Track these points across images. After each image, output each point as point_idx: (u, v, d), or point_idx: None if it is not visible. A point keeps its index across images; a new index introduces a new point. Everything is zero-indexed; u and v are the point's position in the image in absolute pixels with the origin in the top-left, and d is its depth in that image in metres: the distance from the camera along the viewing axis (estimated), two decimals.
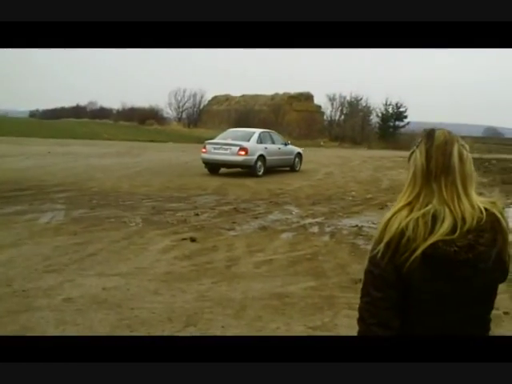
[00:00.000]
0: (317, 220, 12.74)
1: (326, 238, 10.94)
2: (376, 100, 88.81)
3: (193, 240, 10.17)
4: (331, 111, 67.68)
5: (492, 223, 2.21)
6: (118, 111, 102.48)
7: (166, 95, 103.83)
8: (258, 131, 26.65)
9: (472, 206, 2.20)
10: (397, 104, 62.75)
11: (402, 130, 63.17)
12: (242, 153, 24.01)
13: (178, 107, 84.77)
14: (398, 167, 28.23)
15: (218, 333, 6.11)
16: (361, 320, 2.37)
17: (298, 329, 6.30)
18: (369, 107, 65.26)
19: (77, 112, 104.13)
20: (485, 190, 2.34)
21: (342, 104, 66.66)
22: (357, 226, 12.18)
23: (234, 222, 12.10)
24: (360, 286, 7.26)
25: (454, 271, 2.17)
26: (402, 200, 2.29)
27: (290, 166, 26.91)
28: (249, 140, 25.11)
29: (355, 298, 7.45)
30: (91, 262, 8.62)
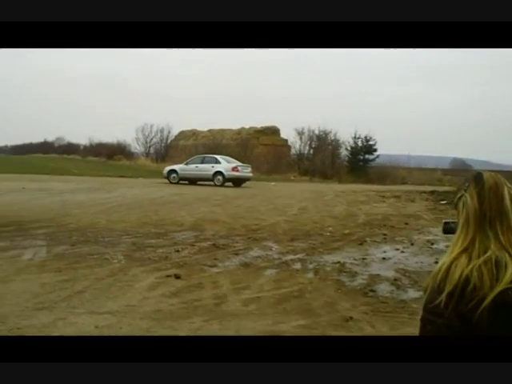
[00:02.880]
0: (298, 256, 12.75)
1: (310, 274, 10.96)
2: (345, 133, 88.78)
3: (177, 277, 10.15)
4: (300, 145, 67.90)
5: None
6: (85, 147, 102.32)
7: (133, 131, 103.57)
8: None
9: None
10: (366, 137, 63.05)
11: (372, 163, 63.44)
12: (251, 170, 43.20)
13: (146, 142, 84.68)
14: (371, 201, 28.32)
15: None
16: None
17: None
18: (338, 140, 65.59)
19: (44, 147, 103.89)
20: None
21: (310, 138, 66.90)
22: (339, 262, 12.18)
23: (215, 259, 12.09)
24: (351, 324, 7.29)
25: None
26: (456, 246, 2.28)
27: None
28: None
29: None
30: (80, 299, 8.58)
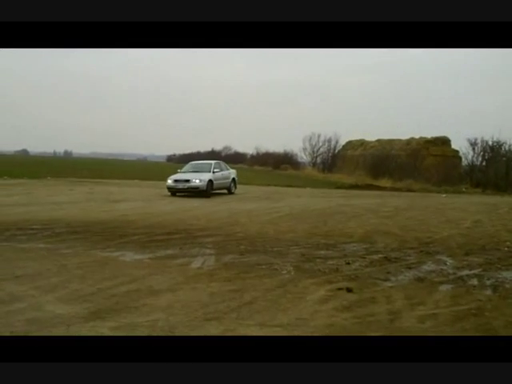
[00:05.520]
0: (474, 272, 12.12)
1: (489, 291, 10.33)
2: None
3: (349, 290, 9.83)
4: (472, 156, 66.22)
5: None
6: (252, 156, 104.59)
7: (300, 140, 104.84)
8: None
9: None
10: None
11: None
12: None
13: (313, 152, 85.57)
14: None
15: None
16: None
17: None
18: None
19: (212, 156, 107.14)
20: None
21: (483, 149, 65.14)
22: None
23: (387, 272, 11.68)
24: None
25: None
26: None
27: None
28: None
29: None
30: (249, 310, 8.44)
